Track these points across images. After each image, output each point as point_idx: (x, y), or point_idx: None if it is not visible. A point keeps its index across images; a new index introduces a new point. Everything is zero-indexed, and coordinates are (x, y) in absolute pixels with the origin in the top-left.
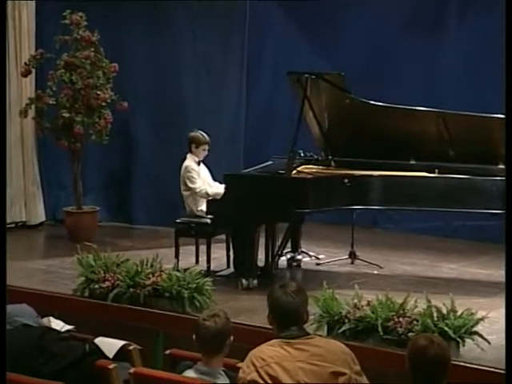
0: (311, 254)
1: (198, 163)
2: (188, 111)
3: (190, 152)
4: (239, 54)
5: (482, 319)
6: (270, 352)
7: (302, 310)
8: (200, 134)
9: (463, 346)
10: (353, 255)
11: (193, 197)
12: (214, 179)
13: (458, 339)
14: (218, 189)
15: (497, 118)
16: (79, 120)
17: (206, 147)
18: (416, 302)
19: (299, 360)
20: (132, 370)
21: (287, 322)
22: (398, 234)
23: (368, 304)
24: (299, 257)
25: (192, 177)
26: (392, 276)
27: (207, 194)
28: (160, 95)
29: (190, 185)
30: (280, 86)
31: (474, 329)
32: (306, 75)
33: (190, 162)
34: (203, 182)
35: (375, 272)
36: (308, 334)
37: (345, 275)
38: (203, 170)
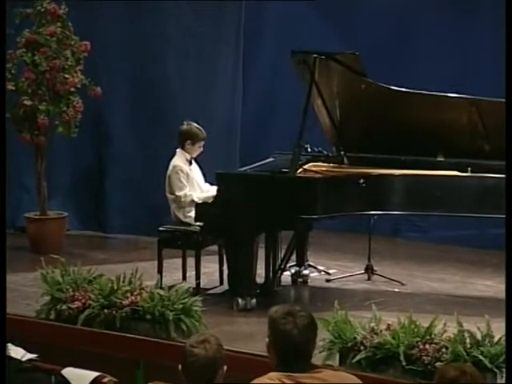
0: (320, 268)
1: (190, 162)
2: (173, 99)
3: (182, 148)
4: (234, 30)
5: None
6: None
7: (312, 346)
8: (197, 129)
9: (501, 377)
10: (370, 270)
11: (179, 202)
12: (206, 180)
13: (495, 369)
14: (210, 192)
15: None
16: (43, 109)
17: (202, 143)
18: (445, 325)
19: None
20: None
21: (292, 357)
22: (424, 244)
23: (388, 328)
24: (306, 271)
25: (179, 181)
26: (416, 294)
27: (193, 202)
28: (140, 79)
29: (176, 191)
30: (283, 68)
31: None
32: (314, 55)
33: (179, 160)
34: (193, 185)
35: (396, 290)
36: (314, 366)
37: (360, 294)
38: (195, 170)
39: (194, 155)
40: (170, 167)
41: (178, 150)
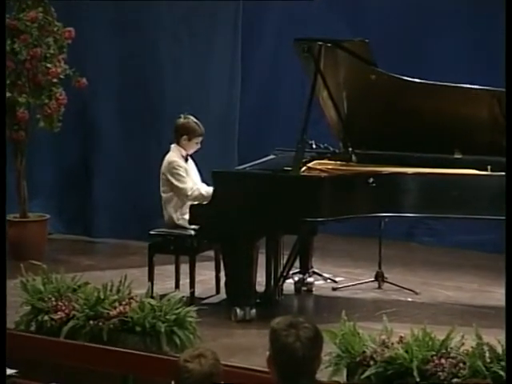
0: (326, 275)
1: (186, 158)
2: (165, 90)
3: (177, 143)
4: (232, 15)
5: None
6: None
7: (317, 361)
8: (194, 123)
9: None
10: (380, 277)
11: (177, 201)
12: (202, 180)
13: None
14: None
15: None
16: (23, 101)
17: (200, 139)
18: (463, 338)
19: None
20: None
21: (295, 373)
22: (439, 249)
23: (400, 341)
24: (310, 279)
25: (179, 175)
26: (431, 304)
27: (202, 197)
28: (129, 70)
29: (179, 184)
30: (285, 57)
31: None
32: (320, 43)
33: (175, 156)
34: (191, 182)
35: (409, 299)
36: (319, 383)
37: (370, 303)
38: (191, 168)
39: (190, 152)
40: (165, 164)
41: (172, 145)
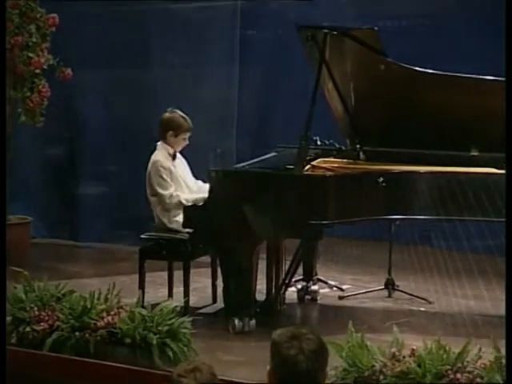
0: (331, 283)
1: (174, 156)
2: (157, 83)
3: (163, 140)
4: (230, 14)
5: None
6: None
7: (321, 375)
8: (181, 117)
9: None
10: (391, 285)
11: (164, 204)
12: (196, 177)
13: None
14: (201, 193)
15: None
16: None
17: (188, 135)
18: (480, 350)
19: None
20: None
21: None
22: (454, 254)
23: (412, 354)
24: (315, 287)
25: (162, 178)
26: (446, 314)
27: (180, 204)
28: (117, 60)
29: (159, 189)
30: (288, 46)
31: None
32: (325, 30)
33: (161, 155)
34: (178, 183)
35: (422, 309)
36: None
37: (379, 313)
38: (180, 166)
39: (178, 149)
40: (150, 163)
41: (158, 143)
